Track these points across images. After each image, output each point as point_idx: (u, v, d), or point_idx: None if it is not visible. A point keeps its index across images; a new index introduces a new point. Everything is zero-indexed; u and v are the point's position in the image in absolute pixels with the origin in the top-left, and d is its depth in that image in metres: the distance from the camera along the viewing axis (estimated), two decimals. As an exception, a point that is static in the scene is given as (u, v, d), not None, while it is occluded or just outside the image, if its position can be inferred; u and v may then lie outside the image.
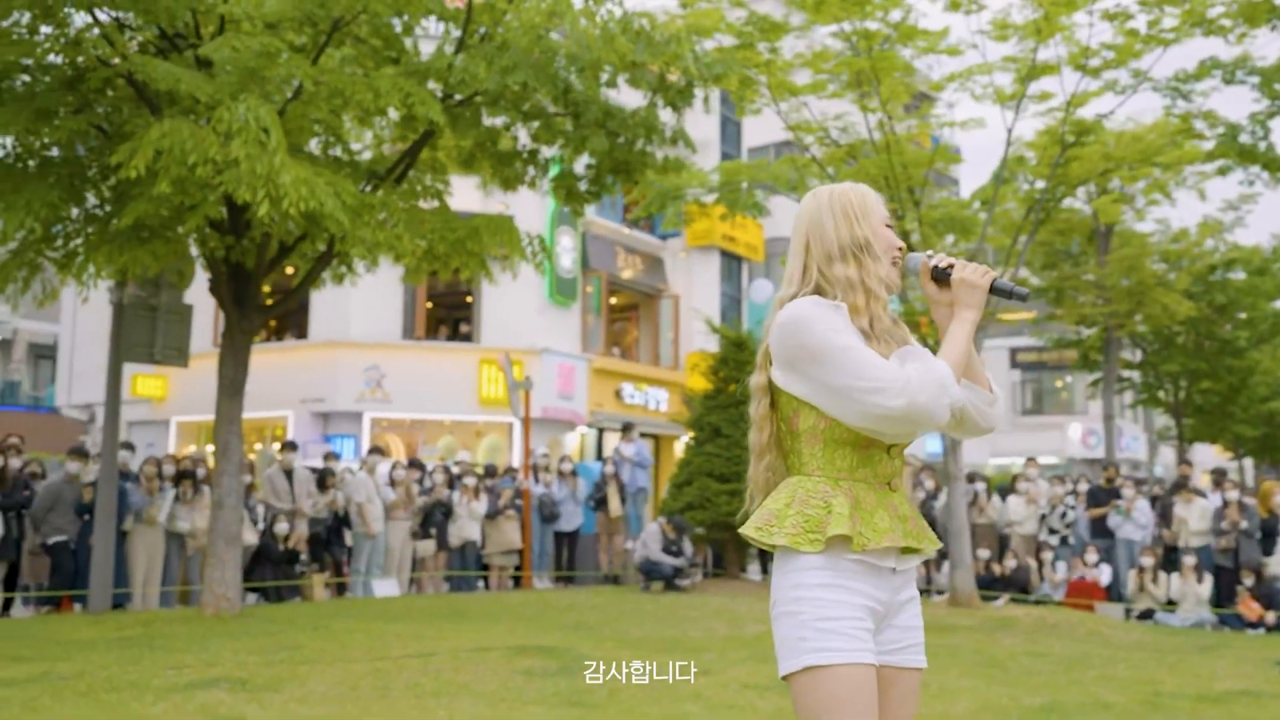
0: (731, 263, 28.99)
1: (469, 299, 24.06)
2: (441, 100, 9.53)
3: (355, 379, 22.26)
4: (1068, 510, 14.55)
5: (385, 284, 18.40)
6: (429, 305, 25.61)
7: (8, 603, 11.16)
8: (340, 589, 13.21)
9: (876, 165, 11.74)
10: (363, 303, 21.93)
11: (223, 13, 8.90)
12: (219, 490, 9.89)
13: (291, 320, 24.64)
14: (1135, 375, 25.33)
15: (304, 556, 12.75)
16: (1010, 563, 14.00)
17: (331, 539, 13.30)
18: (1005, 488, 15.41)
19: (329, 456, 13.87)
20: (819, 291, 2.42)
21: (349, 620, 9.70)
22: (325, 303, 22.29)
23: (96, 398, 25.30)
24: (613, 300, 27.52)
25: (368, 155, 11.12)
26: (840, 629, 2.30)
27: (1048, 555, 14.20)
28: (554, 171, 11.21)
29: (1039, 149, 13.02)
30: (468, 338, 23.70)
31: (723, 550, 15.02)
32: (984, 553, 14.37)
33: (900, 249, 2.49)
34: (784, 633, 2.34)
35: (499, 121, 10.31)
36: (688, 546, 14.33)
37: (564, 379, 23.65)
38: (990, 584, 13.67)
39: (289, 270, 12.30)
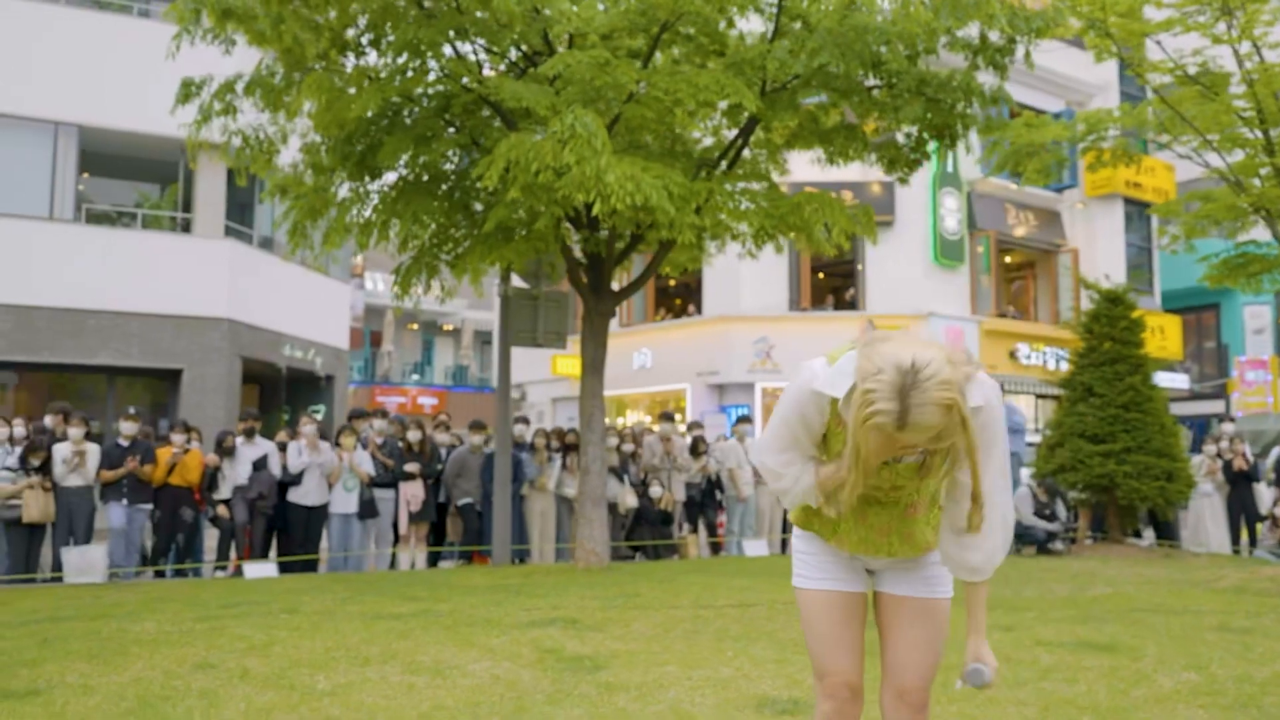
0: (1138, 210, 27.15)
1: (859, 267, 24.37)
2: (762, 87, 10.09)
3: (746, 351, 23.32)
4: None
5: (772, 257, 19.02)
6: (815, 276, 26.20)
7: (435, 557, 13.08)
8: (715, 549, 14.19)
9: (1244, 99, 10.88)
10: (752, 277, 22.88)
11: (569, 30, 9.98)
12: (585, 457, 11.09)
13: (690, 298, 26.16)
14: None
15: (679, 519, 13.86)
16: None
17: (705, 502, 14.31)
18: None
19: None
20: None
21: (702, 575, 10.55)
22: (717, 279, 23.53)
23: (527, 377, 28.24)
24: (1007, 259, 26.73)
25: (710, 142, 11.90)
26: (809, 561, 2.85)
27: None
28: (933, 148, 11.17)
29: None
30: (853, 305, 24.06)
31: (1104, 513, 14.46)
32: None
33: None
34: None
35: (819, 100, 10.70)
36: (1061, 510, 13.97)
37: (952, 342, 23.36)
38: None
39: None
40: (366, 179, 11.56)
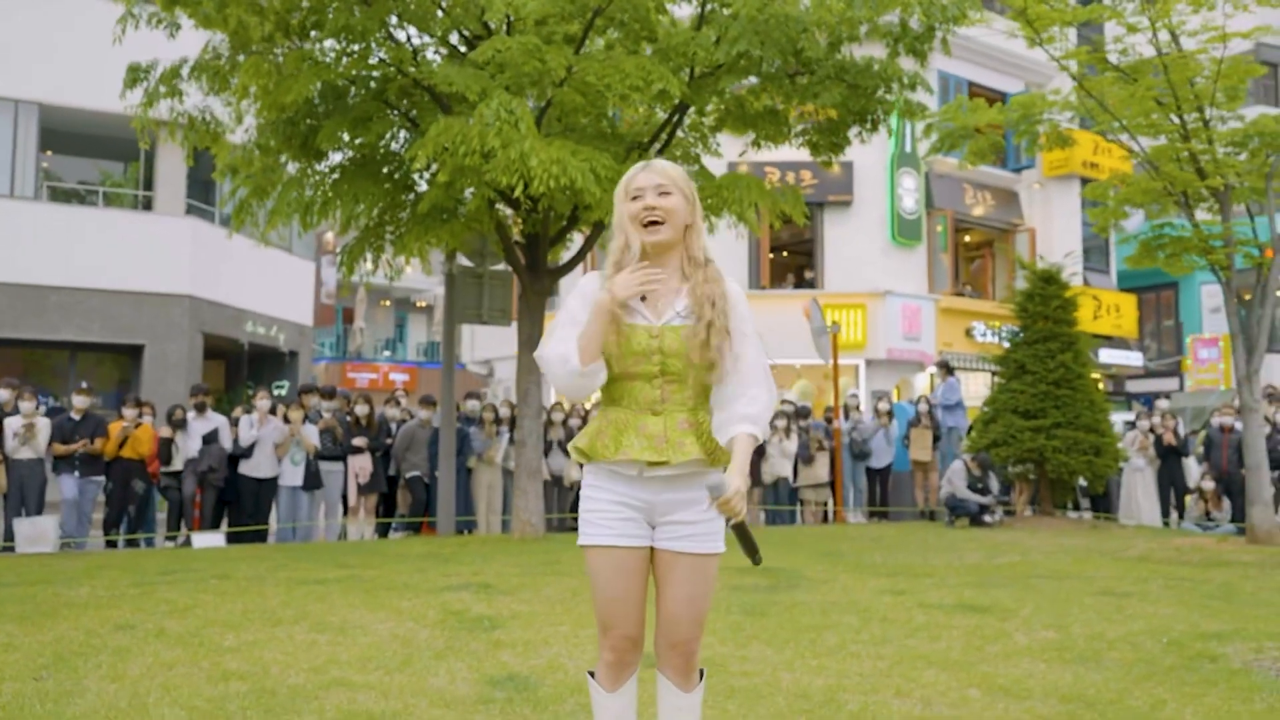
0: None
1: (815, 247, 24.71)
2: (691, 74, 10.41)
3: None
4: None
5: (730, 238, 19.31)
6: (779, 254, 26.54)
7: (385, 528, 13.44)
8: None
9: (1159, 86, 11.25)
10: (712, 256, 23.15)
11: (503, 15, 10.26)
12: (521, 431, 11.46)
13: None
14: None
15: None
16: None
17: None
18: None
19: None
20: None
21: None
22: (676, 259, 23.79)
23: (495, 353, 28.57)
24: (965, 239, 27.12)
25: (647, 125, 12.22)
26: (594, 519, 3.05)
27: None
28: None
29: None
30: (812, 284, 24.41)
31: (1037, 487, 14.91)
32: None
33: (646, 209, 3.03)
34: None
35: (746, 84, 11.03)
36: (994, 483, 14.41)
37: (909, 320, 23.81)
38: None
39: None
40: (312, 160, 11.85)
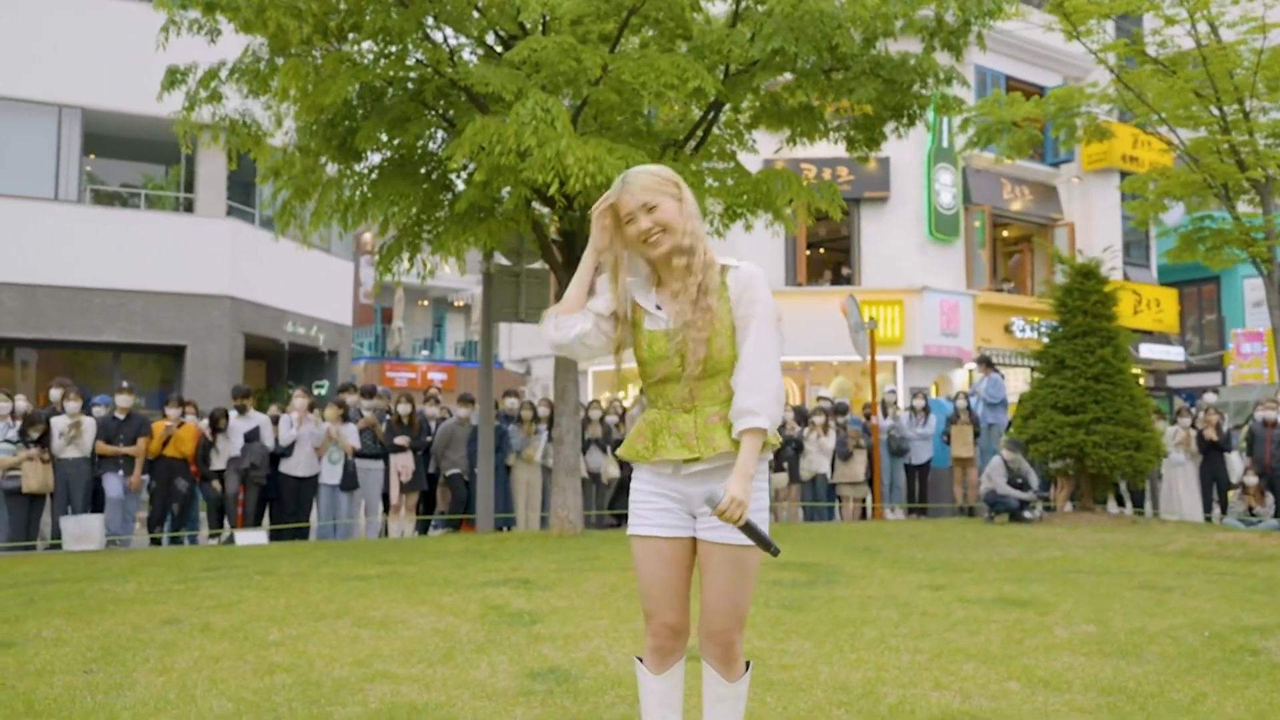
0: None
1: (852, 243, 24.64)
2: (725, 71, 10.43)
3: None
4: None
5: (765, 234, 19.37)
6: (815, 251, 26.50)
7: (425, 525, 13.55)
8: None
9: (1198, 78, 11.14)
10: (749, 253, 23.05)
11: (538, 15, 10.32)
12: (559, 429, 11.52)
13: (689, 274, 26.46)
14: None
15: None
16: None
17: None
18: None
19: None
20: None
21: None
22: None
23: (532, 352, 28.70)
24: (1004, 234, 26.95)
25: (682, 123, 12.25)
26: (639, 510, 3.13)
27: None
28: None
29: None
30: (849, 280, 24.34)
31: (1077, 483, 14.81)
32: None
33: (642, 234, 3.06)
34: None
35: (784, 80, 11.04)
36: (1034, 479, 14.33)
37: (947, 316, 23.70)
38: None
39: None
40: (351, 161, 11.96)
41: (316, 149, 11.81)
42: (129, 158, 21.55)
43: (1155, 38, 11.48)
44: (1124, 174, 26.74)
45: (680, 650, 3.18)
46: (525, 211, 10.82)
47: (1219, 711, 4.45)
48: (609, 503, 14.05)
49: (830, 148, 12.85)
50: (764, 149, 14.02)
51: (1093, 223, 26.32)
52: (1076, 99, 13.18)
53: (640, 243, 3.08)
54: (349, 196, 11.40)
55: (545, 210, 11.47)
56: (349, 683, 4.86)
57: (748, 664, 3.21)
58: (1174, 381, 28.89)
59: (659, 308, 3.11)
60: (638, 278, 3.20)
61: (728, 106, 11.40)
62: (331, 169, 12.32)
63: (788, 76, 11.11)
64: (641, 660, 3.19)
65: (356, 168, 12.06)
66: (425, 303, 41.75)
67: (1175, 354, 28.05)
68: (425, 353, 40.31)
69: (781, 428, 15.02)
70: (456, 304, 42.85)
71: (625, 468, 14.02)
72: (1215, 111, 11.45)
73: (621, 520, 13.90)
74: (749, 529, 2.97)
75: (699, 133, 11.38)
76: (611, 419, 14.37)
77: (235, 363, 19.87)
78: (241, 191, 20.91)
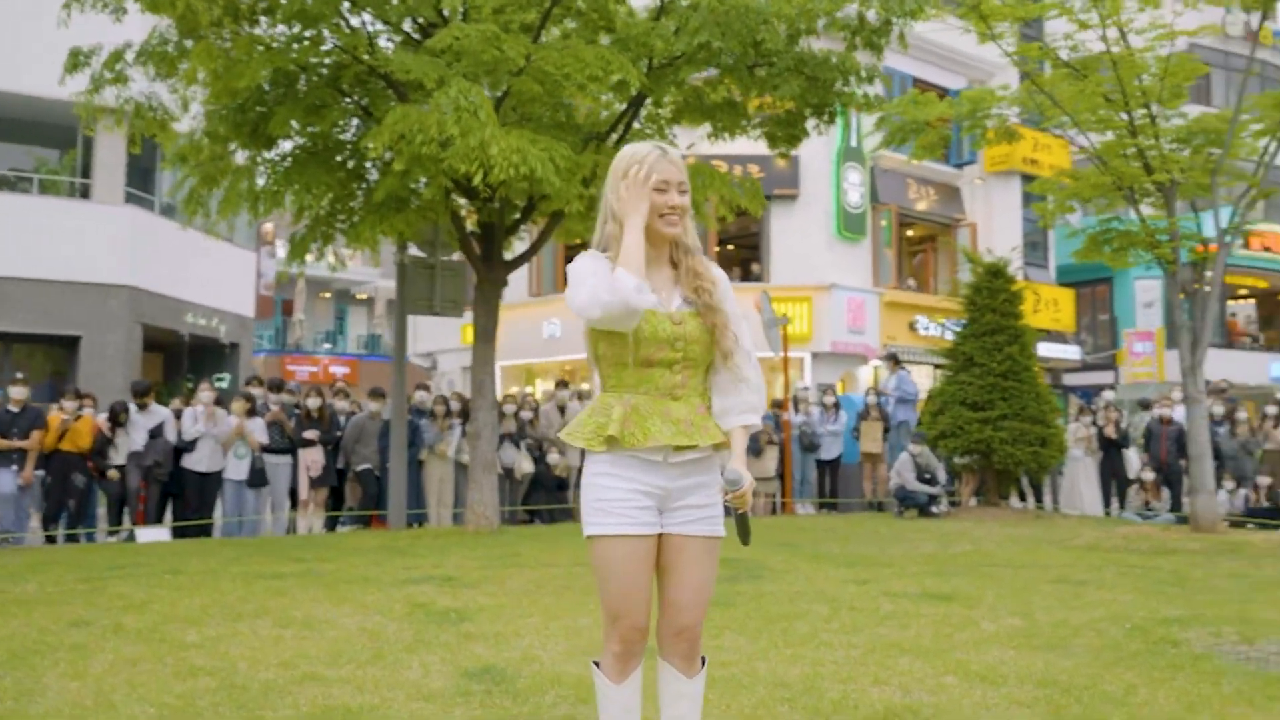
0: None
1: (761, 240, 24.79)
2: (649, 64, 10.37)
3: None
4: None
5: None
6: (724, 248, 26.62)
7: (333, 521, 13.25)
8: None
9: (1108, 82, 11.42)
10: (656, 249, 23.12)
11: (461, 3, 10.15)
12: (475, 423, 11.35)
13: (599, 269, 26.41)
14: None
15: (574, 484, 14.21)
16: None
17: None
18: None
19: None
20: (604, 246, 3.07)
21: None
22: (625, 251, 23.79)
23: (437, 346, 28.32)
24: (909, 233, 27.38)
25: (604, 116, 12.16)
26: (609, 508, 2.99)
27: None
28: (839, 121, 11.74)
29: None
30: (758, 277, 24.49)
31: (983, 478, 15.11)
32: (1264, 479, 13.73)
33: (671, 208, 3.06)
34: (581, 510, 3.08)
35: (708, 75, 11.03)
36: (941, 474, 14.59)
37: (854, 313, 24.00)
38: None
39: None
40: (262, 148, 11.63)
41: (226, 135, 11.43)
42: (21, 140, 20.68)
43: (1066, 42, 11.73)
44: (1025, 176, 27.42)
45: (642, 653, 3.12)
46: (445, 203, 10.63)
47: (1151, 704, 4.53)
48: (522, 498, 13.90)
49: (743, 144, 12.84)
50: (679, 144, 13.99)
51: (994, 223, 26.91)
52: (988, 101, 13.39)
53: (658, 216, 3.03)
54: (262, 185, 11.07)
55: (464, 202, 11.28)
56: (277, 685, 4.70)
57: (703, 659, 3.17)
58: (1069, 379, 29.70)
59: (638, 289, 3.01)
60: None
61: (649, 100, 11.34)
62: (241, 156, 11.95)
63: (711, 72, 11.09)
64: (599, 666, 3.10)
65: (268, 155, 11.72)
66: (328, 295, 41.02)
67: (1072, 353, 28.84)
68: (327, 346, 39.61)
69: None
70: (359, 296, 42.19)
71: (540, 463, 13.91)
72: (1123, 116, 11.73)
73: (536, 516, 13.78)
74: (743, 518, 3.04)
75: (620, 126, 11.30)
76: (525, 414, 14.24)
77: (133, 354, 19.23)
78: (141, 178, 20.23)
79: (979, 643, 5.69)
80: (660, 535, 3.06)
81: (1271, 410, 14.87)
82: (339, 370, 35.14)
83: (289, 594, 7.09)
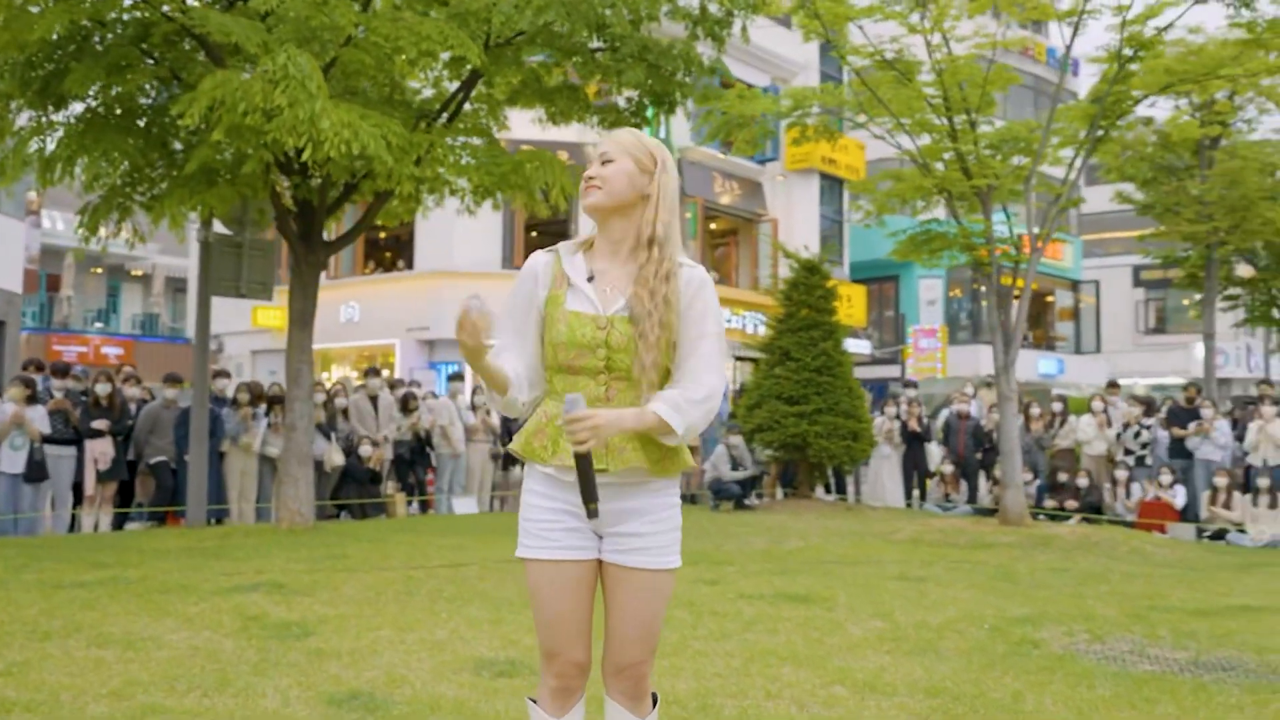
0: (832, 185, 28.84)
1: (572, 226, 24.53)
2: (486, 41, 9.93)
3: (457, 307, 23.03)
4: (1142, 430, 14.46)
5: (486, 214, 18.87)
6: (529, 234, 26.23)
7: (122, 518, 12.23)
8: (424, 507, 14.05)
9: (932, 87, 11.72)
10: (465, 233, 22.56)
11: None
12: (291, 414, 10.67)
13: (400, 252, 25.61)
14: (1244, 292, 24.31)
15: (386, 476, 13.62)
16: (1082, 482, 14.04)
17: (415, 460, 14.11)
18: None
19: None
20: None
21: (411, 535, 10.42)
22: (430, 234, 23.14)
23: (224, 329, 26.80)
24: (712, 226, 27.70)
25: (430, 94, 11.63)
26: (534, 530, 2.69)
27: (1122, 475, 14.17)
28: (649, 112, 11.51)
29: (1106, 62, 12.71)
30: (567, 265, 24.17)
31: (795, 471, 15.36)
32: (1063, 475, 14.44)
33: (586, 178, 2.73)
34: None
35: (543, 58, 10.68)
36: (749, 461, 14.74)
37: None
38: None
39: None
40: (50, 108, 10.56)
41: (7, 92, 10.32)
42: None
43: (893, 45, 11.96)
44: (823, 175, 28.24)
45: (582, 688, 2.78)
46: (265, 178, 9.91)
47: (1040, 711, 4.53)
48: (332, 492, 13.21)
49: (556, 131, 12.47)
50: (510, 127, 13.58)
51: (794, 219, 27.54)
52: (811, 98, 13.54)
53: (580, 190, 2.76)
54: (51, 149, 10.04)
55: (284, 178, 10.53)
56: (113, 721, 4.13)
57: (655, 697, 2.87)
58: (860, 373, 30.70)
59: (590, 280, 2.70)
60: (568, 241, 2.81)
61: (482, 80, 10.89)
62: (24, 117, 10.82)
63: (546, 56, 10.74)
64: (535, 702, 2.77)
65: (56, 117, 10.66)
66: (99, 270, 38.30)
67: (864, 347, 29.86)
68: (98, 325, 37.00)
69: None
70: (134, 273, 39.58)
71: (351, 456, 13.26)
72: (944, 121, 12.06)
73: (346, 510, 13.13)
74: (583, 463, 2.53)
75: (452, 105, 10.80)
76: (340, 401, 13.56)
77: (-120, 331, 17.33)
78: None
79: (851, 648, 5.62)
80: (603, 562, 2.75)
81: (1057, 408, 15.67)
82: (112, 351, 32.84)
83: (99, 606, 6.38)
